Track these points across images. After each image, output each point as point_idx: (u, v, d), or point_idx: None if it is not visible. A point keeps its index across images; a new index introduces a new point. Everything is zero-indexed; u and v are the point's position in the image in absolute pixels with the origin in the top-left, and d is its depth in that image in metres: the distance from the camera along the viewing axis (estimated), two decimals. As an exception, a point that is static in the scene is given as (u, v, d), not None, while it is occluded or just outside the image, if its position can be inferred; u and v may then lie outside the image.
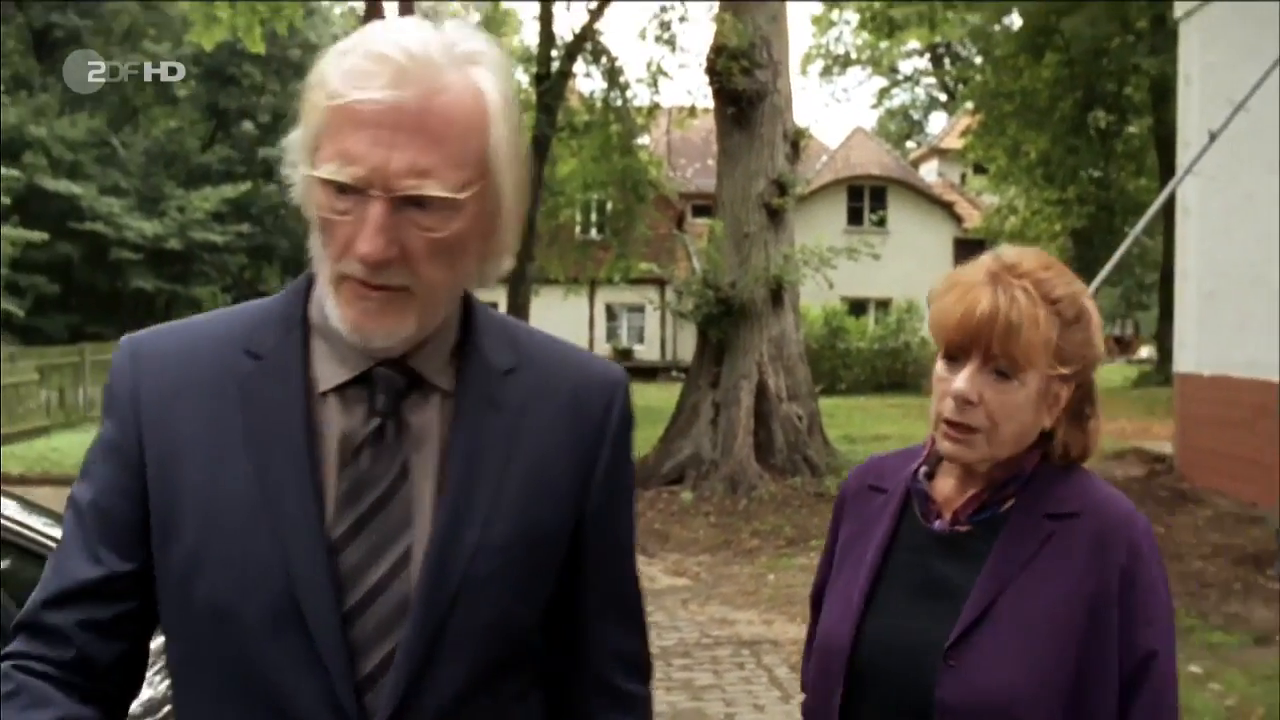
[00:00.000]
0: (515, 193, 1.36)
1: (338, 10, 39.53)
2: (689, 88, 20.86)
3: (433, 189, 1.25)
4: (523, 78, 26.88)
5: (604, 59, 24.32)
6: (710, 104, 14.52)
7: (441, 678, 1.32)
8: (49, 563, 1.41)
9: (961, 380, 1.69)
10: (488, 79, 1.30)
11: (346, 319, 1.30)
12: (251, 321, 1.41)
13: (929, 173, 40.01)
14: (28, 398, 20.81)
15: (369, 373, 1.36)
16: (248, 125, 36.35)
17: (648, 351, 37.09)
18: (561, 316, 34.30)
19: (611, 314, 37.92)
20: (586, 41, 23.95)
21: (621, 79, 24.27)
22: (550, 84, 23.42)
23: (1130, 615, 1.65)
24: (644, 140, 26.51)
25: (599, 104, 24.63)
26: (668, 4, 22.54)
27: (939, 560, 1.76)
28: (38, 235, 26.76)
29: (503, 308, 27.17)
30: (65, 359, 23.04)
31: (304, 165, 1.31)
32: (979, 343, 1.67)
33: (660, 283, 29.64)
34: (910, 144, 51.32)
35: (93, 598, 1.35)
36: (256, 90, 36.26)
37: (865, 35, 37.15)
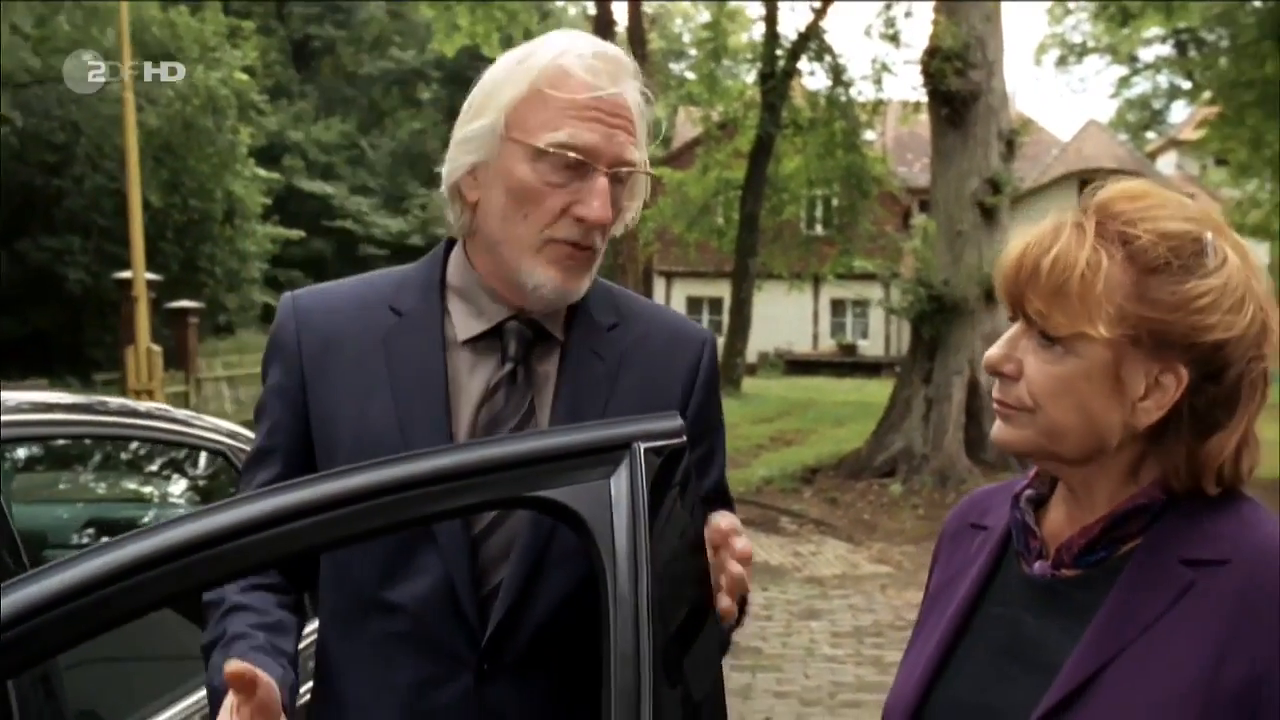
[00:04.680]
0: None
1: (572, 11, 40.86)
2: (914, 84, 20.57)
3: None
4: (748, 77, 27.32)
5: (828, 57, 24.45)
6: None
7: (541, 594, 1.49)
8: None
9: (997, 344, 1.31)
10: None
11: (553, 279, 1.50)
12: (396, 283, 1.62)
13: (1167, 165, 38.58)
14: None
15: (500, 326, 1.56)
16: (485, 126, 37.81)
17: (872, 347, 37.01)
18: (784, 311, 34.53)
19: (837, 309, 37.93)
20: (811, 40, 24.12)
21: (845, 76, 24.34)
22: (775, 82, 23.71)
23: None
24: (869, 136, 26.50)
25: (823, 101, 24.74)
26: (892, 1, 22.51)
27: (1033, 615, 1.31)
28: (295, 233, 28.41)
29: (727, 301, 27.76)
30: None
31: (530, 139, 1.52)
32: (1014, 296, 1.29)
33: (886, 279, 29.63)
34: (1150, 135, 49.39)
35: None
36: (494, 93, 37.65)
37: (1101, 24, 36.02)
